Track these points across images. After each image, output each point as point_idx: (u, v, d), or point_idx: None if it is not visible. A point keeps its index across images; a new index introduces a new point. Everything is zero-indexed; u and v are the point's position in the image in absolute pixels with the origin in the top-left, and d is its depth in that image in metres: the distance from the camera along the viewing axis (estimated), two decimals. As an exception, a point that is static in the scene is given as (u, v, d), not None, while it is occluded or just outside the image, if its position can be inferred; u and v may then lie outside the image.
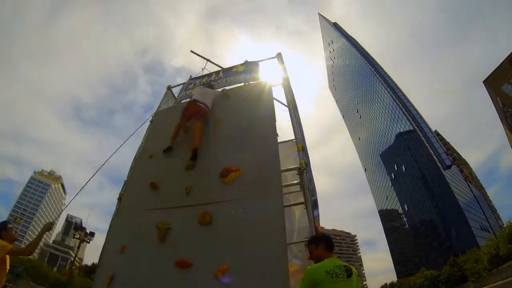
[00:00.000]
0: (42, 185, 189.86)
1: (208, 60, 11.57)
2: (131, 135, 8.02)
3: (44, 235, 5.86)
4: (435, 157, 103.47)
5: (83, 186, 6.68)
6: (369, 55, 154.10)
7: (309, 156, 7.33)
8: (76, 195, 6.71)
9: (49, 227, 5.68)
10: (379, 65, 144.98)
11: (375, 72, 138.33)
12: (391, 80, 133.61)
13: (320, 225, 7.97)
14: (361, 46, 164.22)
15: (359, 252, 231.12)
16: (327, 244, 4.37)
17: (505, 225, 45.21)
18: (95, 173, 6.97)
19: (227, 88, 8.86)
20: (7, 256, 5.08)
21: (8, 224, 5.59)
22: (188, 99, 8.79)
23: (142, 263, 5.37)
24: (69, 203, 7.24)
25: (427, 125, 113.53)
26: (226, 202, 5.60)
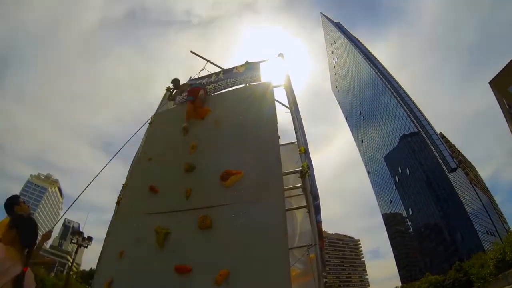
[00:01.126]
0: (39, 189, 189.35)
1: (208, 60, 11.54)
2: (129, 140, 8.06)
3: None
4: (440, 160, 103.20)
5: (80, 194, 6.77)
6: (372, 55, 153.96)
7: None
8: (73, 202, 6.82)
9: (48, 236, 5.62)
10: (382, 66, 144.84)
11: (378, 73, 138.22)
12: (395, 81, 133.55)
13: (323, 230, 7.96)
14: (364, 46, 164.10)
15: (363, 257, 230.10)
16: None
17: (511, 229, 45.18)
18: (91, 181, 7.01)
19: (227, 89, 8.87)
20: None
21: (20, 198, 5.58)
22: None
23: (141, 268, 5.35)
24: (67, 209, 7.27)
25: (432, 127, 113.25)
26: (226, 205, 5.59)
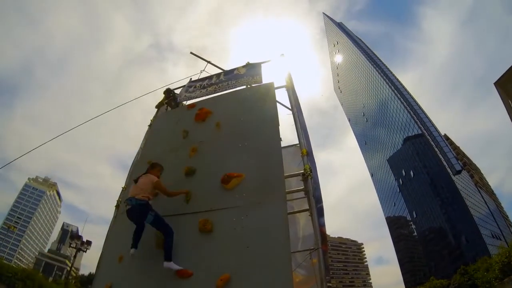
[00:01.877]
0: (36, 192, 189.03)
1: (208, 62, 11.53)
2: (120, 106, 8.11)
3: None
4: (444, 162, 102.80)
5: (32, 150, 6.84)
6: (376, 56, 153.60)
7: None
8: (21, 156, 6.98)
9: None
10: (386, 66, 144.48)
11: (381, 74, 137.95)
12: (399, 82, 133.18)
13: (326, 233, 7.92)
14: (367, 47, 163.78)
15: (366, 261, 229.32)
16: None
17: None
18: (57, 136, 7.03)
19: (228, 91, 8.84)
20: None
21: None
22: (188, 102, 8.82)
23: (141, 273, 5.33)
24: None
25: (436, 128, 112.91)
26: (227, 209, 5.57)
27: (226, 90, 9.06)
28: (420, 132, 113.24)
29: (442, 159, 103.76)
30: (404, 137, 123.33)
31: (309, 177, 5.94)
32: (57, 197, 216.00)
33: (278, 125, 6.63)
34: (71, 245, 36.35)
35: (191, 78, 11.12)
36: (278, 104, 7.40)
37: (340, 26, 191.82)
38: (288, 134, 8.33)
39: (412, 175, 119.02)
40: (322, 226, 6.06)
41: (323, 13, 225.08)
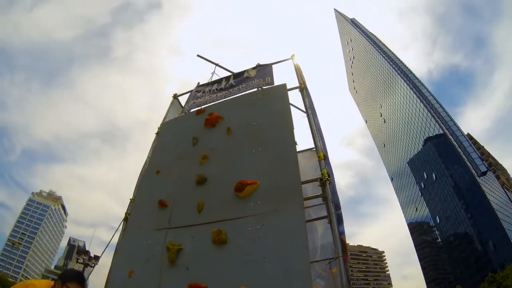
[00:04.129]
0: (41, 207, 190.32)
1: (216, 64, 11.53)
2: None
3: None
4: (468, 163, 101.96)
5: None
6: (393, 53, 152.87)
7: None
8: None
9: None
10: (403, 63, 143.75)
11: (399, 72, 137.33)
12: (418, 80, 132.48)
13: (346, 242, 7.85)
14: (383, 43, 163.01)
15: (388, 270, 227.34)
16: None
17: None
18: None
19: (239, 95, 8.83)
20: None
21: None
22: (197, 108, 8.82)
23: (152, 288, 5.33)
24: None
25: (458, 127, 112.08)
26: (242, 218, 5.53)
27: (236, 95, 9.05)
28: (441, 131, 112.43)
29: (466, 160, 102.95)
30: (425, 137, 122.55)
31: (327, 182, 5.89)
32: (62, 212, 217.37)
33: (293, 128, 6.59)
34: (79, 261, 36.53)
35: (198, 83, 11.13)
36: (291, 107, 7.37)
37: (353, 22, 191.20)
38: (301, 138, 8.32)
39: (434, 178, 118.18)
40: (341, 234, 6.00)
41: (335, 9, 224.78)
